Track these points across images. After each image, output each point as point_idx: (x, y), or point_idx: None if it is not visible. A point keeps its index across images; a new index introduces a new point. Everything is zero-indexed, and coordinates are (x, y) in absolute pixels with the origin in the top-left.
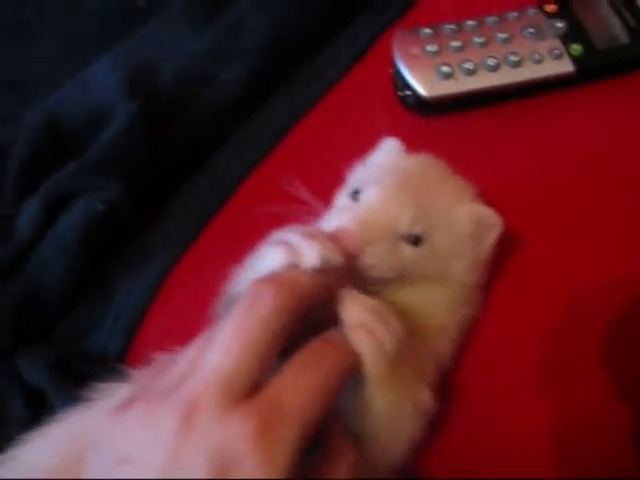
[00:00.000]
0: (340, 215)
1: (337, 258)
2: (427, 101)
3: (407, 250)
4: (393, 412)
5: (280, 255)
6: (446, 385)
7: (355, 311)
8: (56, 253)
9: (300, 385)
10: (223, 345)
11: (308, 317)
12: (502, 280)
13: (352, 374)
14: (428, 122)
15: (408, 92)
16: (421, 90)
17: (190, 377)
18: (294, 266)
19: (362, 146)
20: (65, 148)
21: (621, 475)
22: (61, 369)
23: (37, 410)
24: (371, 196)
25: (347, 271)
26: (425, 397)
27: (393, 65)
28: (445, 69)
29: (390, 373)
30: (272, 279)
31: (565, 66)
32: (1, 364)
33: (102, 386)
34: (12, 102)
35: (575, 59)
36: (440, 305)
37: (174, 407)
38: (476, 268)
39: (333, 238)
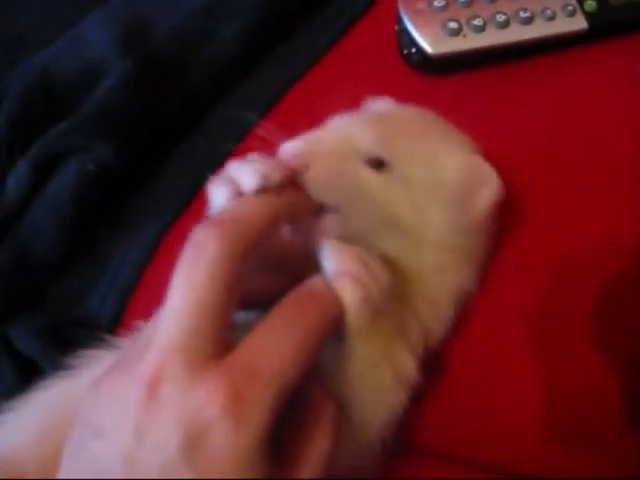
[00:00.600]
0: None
1: (276, 174)
2: (433, 59)
3: (366, 172)
4: (372, 376)
5: (222, 189)
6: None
7: (339, 258)
8: (47, 216)
9: (277, 344)
10: (172, 308)
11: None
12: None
13: (334, 329)
14: (434, 81)
15: (413, 50)
16: (427, 47)
17: (149, 345)
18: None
19: (364, 106)
20: (57, 106)
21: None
22: (53, 337)
23: (29, 379)
24: (335, 121)
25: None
26: (407, 365)
27: (398, 21)
28: (452, 25)
29: (372, 328)
30: (211, 223)
31: (578, 23)
32: None
33: (87, 354)
34: (3, 61)
35: (589, 15)
36: (426, 269)
37: (138, 377)
38: (464, 230)
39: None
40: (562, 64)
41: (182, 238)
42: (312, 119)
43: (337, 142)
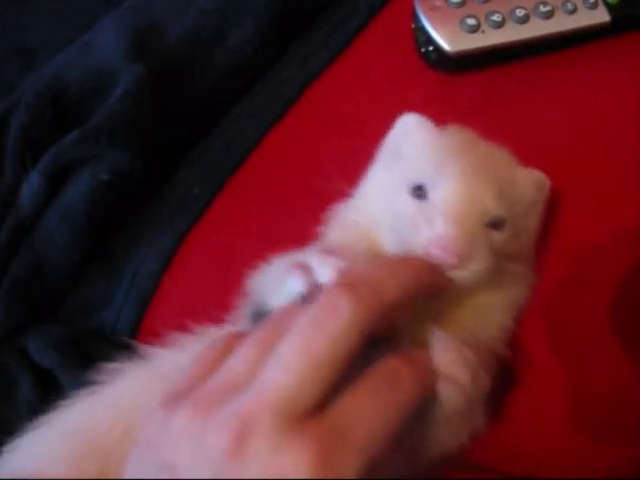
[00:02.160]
0: (423, 221)
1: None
2: (451, 57)
3: (495, 237)
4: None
5: (298, 279)
6: None
7: (449, 360)
8: (61, 225)
9: (371, 410)
10: (286, 362)
11: None
12: None
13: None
14: (453, 80)
15: (431, 47)
16: (445, 45)
17: (246, 389)
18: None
19: (381, 106)
20: (69, 115)
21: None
22: (70, 348)
23: (46, 391)
24: (450, 184)
25: None
26: (480, 423)
27: (414, 19)
28: (471, 22)
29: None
30: (351, 281)
31: (600, 16)
32: (8, 344)
33: (110, 367)
34: (16, 69)
35: (611, 8)
36: (501, 303)
37: (226, 422)
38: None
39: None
40: (584, 59)
41: (198, 247)
42: (329, 119)
43: (476, 221)
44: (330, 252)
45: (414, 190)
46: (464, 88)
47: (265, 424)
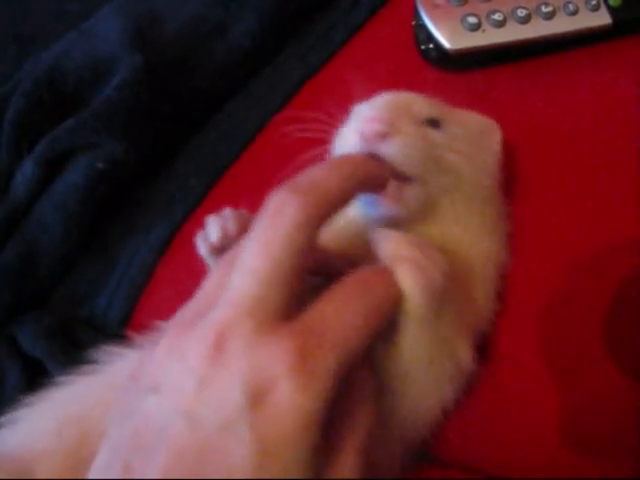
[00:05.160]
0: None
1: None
2: (451, 55)
3: (433, 133)
4: (431, 369)
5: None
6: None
7: (398, 247)
8: (54, 213)
9: (345, 312)
10: (248, 266)
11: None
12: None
13: (392, 315)
14: (452, 78)
15: (431, 45)
16: (445, 43)
17: (218, 302)
18: (317, 167)
19: None
20: (65, 103)
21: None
22: (59, 337)
23: (35, 379)
24: (377, 97)
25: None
26: (466, 357)
27: (415, 16)
28: (471, 20)
29: (434, 317)
30: (290, 188)
31: (602, 18)
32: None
33: (104, 353)
34: (15, 56)
35: (613, 10)
36: (474, 244)
37: (204, 333)
38: (491, 177)
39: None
40: (585, 61)
41: (193, 238)
42: (327, 116)
43: (403, 109)
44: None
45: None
46: (463, 87)
47: (240, 328)
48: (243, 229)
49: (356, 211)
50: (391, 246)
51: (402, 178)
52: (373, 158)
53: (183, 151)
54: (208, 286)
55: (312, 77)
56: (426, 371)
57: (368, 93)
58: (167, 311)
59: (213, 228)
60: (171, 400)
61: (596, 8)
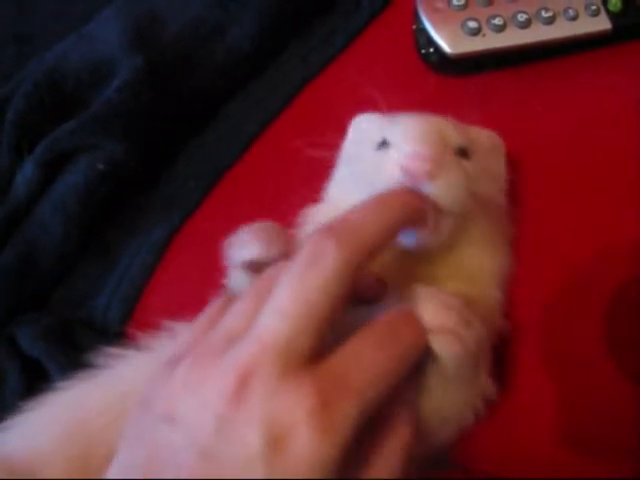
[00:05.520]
0: (388, 158)
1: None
2: (452, 59)
3: (467, 165)
4: (456, 402)
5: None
6: None
7: (435, 311)
8: (54, 214)
9: (370, 360)
10: (281, 307)
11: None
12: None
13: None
14: (452, 82)
15: (431, 49)
16: (445, 47)
17: (244, 338)
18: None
19: (379, 107)
20: (66, 105)
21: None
22: (59, 338)
23: (34, 381)
24: (407, 123)
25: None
26: (490, 388)
27: (416, 20)
28: (472, 25)
29: (467, 373)
30: (330, 230)
31: (602, 23)
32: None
33: (105, 355)
34: (16, 56)
35: (613, 15)
36: (489, 261)
37: (227, 370)
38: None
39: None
40: (584, 66)
41: (191, 240)
42: (327, 119)
43: (441, 140)
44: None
45: (377, 147)
46: (463, 91)
47: (264, 369)
48: (284, 250)
49: None
50: (431, 309)
51: (439, 210)
52: (416, 194)
53: (183, 152)
54: (234, 316)
55: (313, 79)
56: (450, 407)
57: (368, 97)
58: (166, 312)
59: (254, 243)
60: (187, 434)
61: (596, 13)
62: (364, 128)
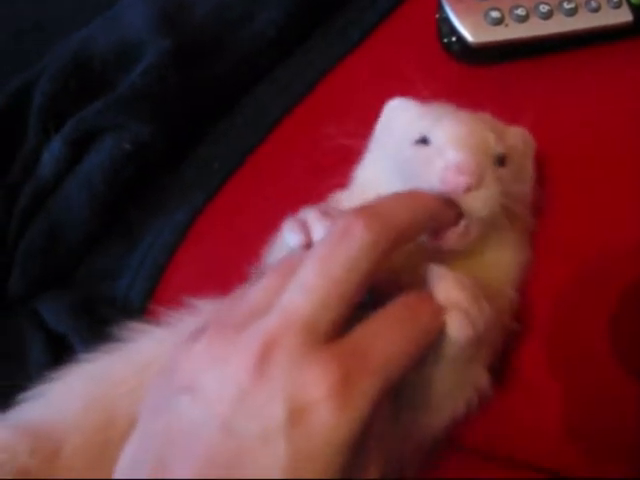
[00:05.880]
0: (433, 156)
1: None
2: (473, 48)
3: (503, 174)
4: (453, 392)
5: (295, 235)
6: None
7: (452, 290)
8: (80, 192)
9: (388, 338)
10: (307, 283)
11: None
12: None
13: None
14: (474, 71)
15: (454, 38)
16: (468, 36)
17: (268, 312)
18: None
19: (401, 93)
20: (93, 86)
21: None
22: (83, 313)
23: (58, 355)
24: (450, 125)
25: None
26: (485, 382)
27: (439, 9)
28: (495, 14)
29: (466, 359)
30: (362, 212)
31: (623, 15)
32: (21, 308)
33: (128, 330)
34: (35, 43)
35: (635, 7)
36: (508, 267)
37: (250, 342)
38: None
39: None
40: (606, 58)
41: (214, 222)
42: (349, 106)
43: (482, 150)
44: (328, 213)
45: (417, 142)
46: (485, 80)
47: (288, 344)
48: None
49: None
50: (446, 287)
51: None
52: (451, 202)
53: (208, 136)
54: (259, 291)
55: (336, 66)
56: (446, 394)
57: (390, 85)
58: (187, 291)
59: (317, 224)
60: (207, 405)
61: (618, 5)
62: (398, 114)
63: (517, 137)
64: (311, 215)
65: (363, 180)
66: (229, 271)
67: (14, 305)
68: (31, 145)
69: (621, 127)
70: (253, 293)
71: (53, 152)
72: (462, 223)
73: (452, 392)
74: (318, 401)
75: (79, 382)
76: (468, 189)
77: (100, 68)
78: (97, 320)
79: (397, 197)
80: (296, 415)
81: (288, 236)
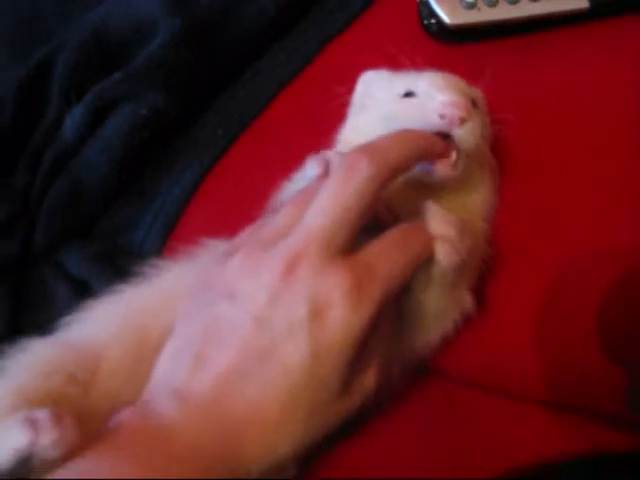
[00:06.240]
0: (424, 100)
1: None
2: (450, 29)
3: (479, 114)
4: (441, 311)
5: (315, 166)
6: None
7: (442, 224)
8: (100, 153)
9: (391, 256)
10: (323, 208)
11: None
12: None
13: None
14: (450, 49)
15: (433, 20)
16: (445, 18)
17: (292, 233)
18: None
19: (388, 68)
20: (111, 59)
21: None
22: (104, 261)
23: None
24: (433, 77)
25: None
26: (470, 303)
27: None
28: (469, 0)
29: (451, 283)
30: (366, 149)
31: (580, 2)
32: (45, 260)
33: (151, 266)
34: (56, 14)
35: None
36: (479, 195)
37: (278, 256)
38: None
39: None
40: (565, 40)
41: (220, 180)
42: (341, 76)
43: (463, 92)
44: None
45: (403, 96)
46: (460, 57)
47: (310, 255)
48: None
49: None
50: (436, 222)
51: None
52: (441, 136)
53: (213, 105)
54: (281, 217)
55: (328, 44)
56: (437, 313)
57: (376, 60)
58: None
59: (335, 158)
60: (245, 306)
61: None
62: (376, 80)
63: (477, 92)
64: (330, 154)
65: (349, 138)
66: (234, 224)
67: (38, 259)
68: (53, 112)
69: (572, 103)
70: (276, 220)
71: (75, 118)
72: (453, 153)
73: (442, 313)
74: (335, 301)
75: (112, 307)
76: (462, 121)
77: (117, 43)
78: (116, 267)
79: (392, 135)
80: (317, 312)
81: (310, 168)
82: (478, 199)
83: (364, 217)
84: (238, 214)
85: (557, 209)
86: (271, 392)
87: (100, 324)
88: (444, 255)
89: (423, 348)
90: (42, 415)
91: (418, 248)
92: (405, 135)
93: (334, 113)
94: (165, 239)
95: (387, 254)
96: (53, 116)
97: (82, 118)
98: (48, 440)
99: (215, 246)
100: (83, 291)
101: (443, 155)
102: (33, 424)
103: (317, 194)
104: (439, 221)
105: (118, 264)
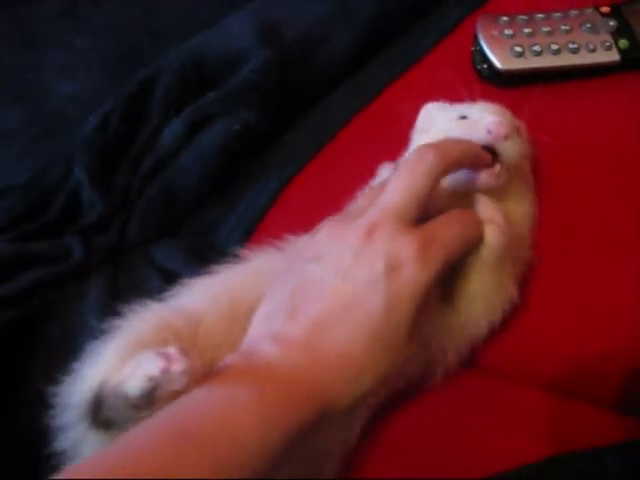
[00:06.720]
0: (475, 121)
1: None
2: (501, 73)
3: (519, 135)
4: (489, 296)
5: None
6: None
7: (491, 211)
8: (195, 160)
9: (451, 228)
10: (396, 188)
11: None
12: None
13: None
14: (499, 91)
15: (485, 65)
16: (498, 64)
17: (370, 209)
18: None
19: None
20: (207, 81)
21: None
22: (192, 255)
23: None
24: (484, 105)
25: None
26: (514, 292)
27: (475, 42)
28: (518, 49)
29: (499, 264)
30: (432, 145)
31: (613, 56)
32: (137, 250)
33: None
34: (150, 47)
35: (622, 51)
36: (521, 207)
37: (359, 225)
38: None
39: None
40: (600, 86)
41: (299, 190)
42: (403, 113)
43: (509, 119)
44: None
45: (458, 119)
46: (507, 98)
47: (385, 225)
48: None
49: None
50: (488, 208)
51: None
52: (488, 149)
53: (294, 125)
54: (362, 202)
55: (393, 82)
56: (485, 297)
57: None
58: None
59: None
60: (331, 265)
61: (609, 48)
62: (436, 110)
63: (521, 122)
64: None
65: None
66: (310, 229)
67: (129, 249)
68: (154, 124)
69: (606, 140)
70: (357, 203)
71: (173, 130)
72: (497, 165)
73: (490, 298)
74: (407, 259)
75: (209, 282)
76: (506, 137)
77: (212, 68)
78: (202, 259)
79: (451, 140)
80: (392, 267)
81: (384, 169)
82: (519, 210)
83: (428, 196)
84: (313, 221)
85: (587, 221)
86: (355, 333)
87: (199, 295)
88: (492, 235)
89: (475, 337)
90: (172, 350)
91: (471, 225)
92: (462, 141)
93: (398, 137)
94: (245, 240)
95: (447, 227)
96: (153, 128)
97: (179, 130)
98: (180, 368)
99: (297, 240)
100: (171, 278)
101: (488, 165)
102: (166, 355)
103: (389, 181)
104: (488, 208)
105: (204, 256)
